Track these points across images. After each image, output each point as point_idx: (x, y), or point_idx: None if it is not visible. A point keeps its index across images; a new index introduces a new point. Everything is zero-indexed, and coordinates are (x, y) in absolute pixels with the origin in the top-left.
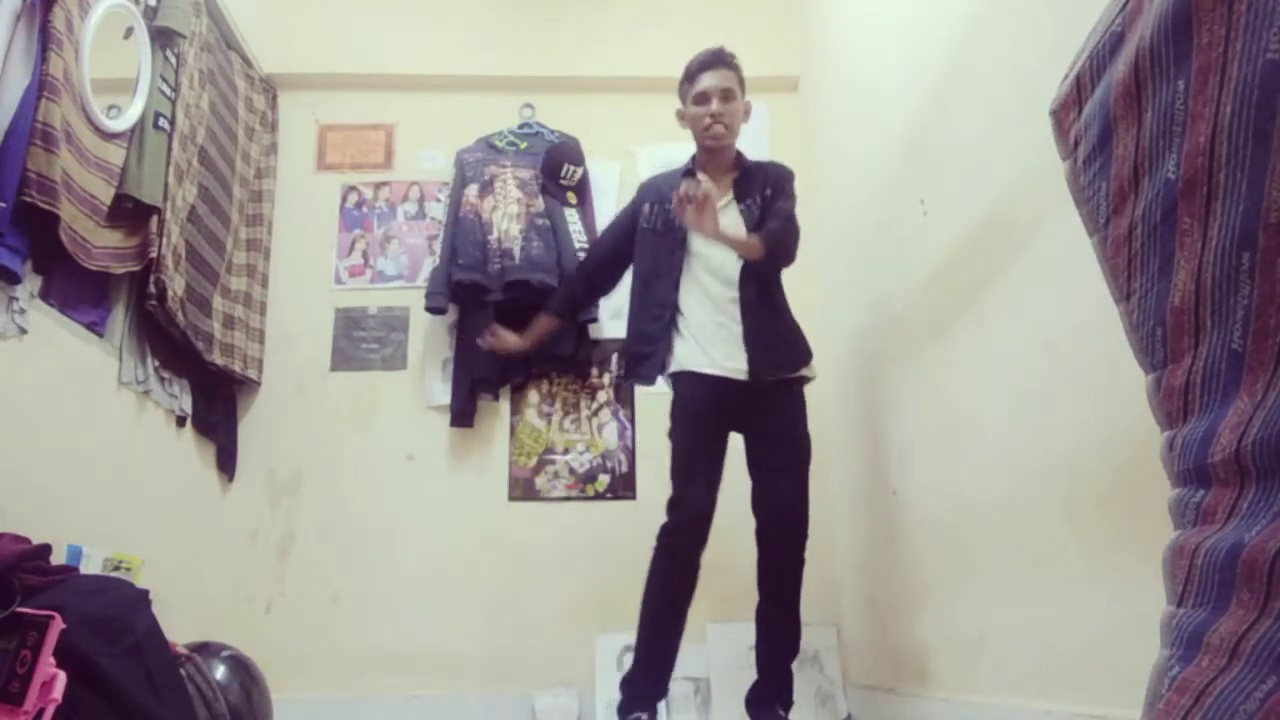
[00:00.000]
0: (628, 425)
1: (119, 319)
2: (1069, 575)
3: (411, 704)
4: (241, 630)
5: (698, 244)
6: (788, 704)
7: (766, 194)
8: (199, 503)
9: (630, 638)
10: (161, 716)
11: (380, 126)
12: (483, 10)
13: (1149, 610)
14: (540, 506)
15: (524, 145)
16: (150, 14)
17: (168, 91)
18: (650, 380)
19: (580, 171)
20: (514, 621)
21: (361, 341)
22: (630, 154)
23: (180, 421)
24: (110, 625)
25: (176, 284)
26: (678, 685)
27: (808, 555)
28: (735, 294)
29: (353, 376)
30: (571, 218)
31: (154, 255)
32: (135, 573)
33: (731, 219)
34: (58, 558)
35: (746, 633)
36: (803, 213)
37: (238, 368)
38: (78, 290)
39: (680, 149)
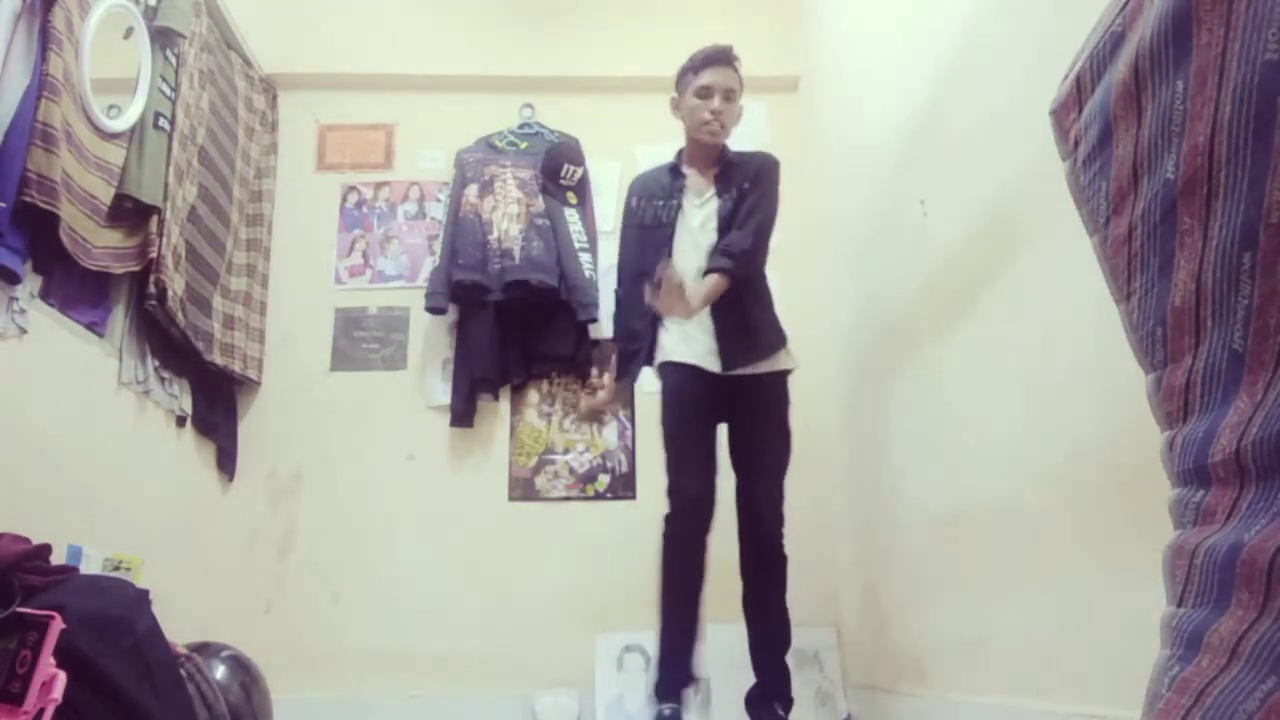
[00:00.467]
0: (628, 425)
1: (119, 319)
2: (1069, 575)
3: (411, 704)
4: (241, 630)
5: (683, 239)
6: (787, 703)
7: (744, 187)
8: (199, 503)
9: (630, 638)
10: (161, 716)
11: (380, 126)
12: (483, 10)
13: (1149, 610)
14: (540, 506)
15: (524, 145)
16: (150, 14)
17: (168, 91)
18: (636, 376)
19: (580, 171)
20: (514, 621)
21: (361, 341)
22: (630, 154)
23: (180, 421)
24: (110, 625)
25: (176, 284)
26: None
27: (809, 555)
28: None
29: (353, 376)
30: (571, 218)
31: (154, 255)
32: (135, 573)
33: (709, 213)
34: (58, 558)
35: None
36: (802, 212)
37: (238, 368)
38: (78, 290)
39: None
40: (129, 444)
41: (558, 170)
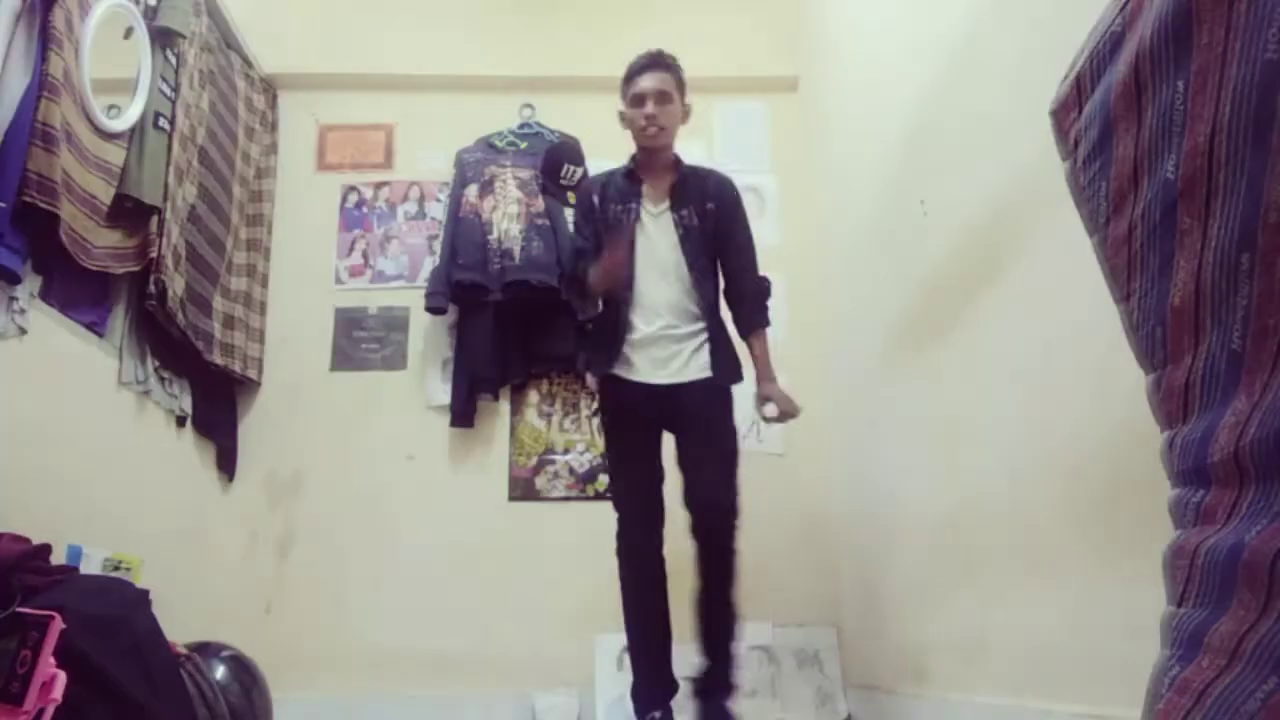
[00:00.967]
0: None
1: (119, 319)
2: (1069, 575)
3: (411, 704)
4: (241, 630)
5: (641, 245)
6: (730, 690)
7: (708, 208)
8: (199, 503)
9: None
10: (161, 716)
11: (380, 126)
12: (483, 10)
13: (1149, 610)
14: (540, 506)
15: (524, 145)
16: (150, 14)
17: (168, 91)
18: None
19: (580, 171)
20: (514, 622)
21: (361, 341)
22: (630, 154)
23: (180, 421)
24: (110, 625)
25: (176, 284)
26: None
27: (809, 555)
28: None
29: (353, 376)
30: (571, 218)
31: (154, 255)
32: (135, 573)
33: (665, 226)
34: (58, 558)
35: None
36: (802, 212)
37: (238, 368)
38: (78, 290)
39: (680, 149)
40: (129, 444)
41: (558, 170)
